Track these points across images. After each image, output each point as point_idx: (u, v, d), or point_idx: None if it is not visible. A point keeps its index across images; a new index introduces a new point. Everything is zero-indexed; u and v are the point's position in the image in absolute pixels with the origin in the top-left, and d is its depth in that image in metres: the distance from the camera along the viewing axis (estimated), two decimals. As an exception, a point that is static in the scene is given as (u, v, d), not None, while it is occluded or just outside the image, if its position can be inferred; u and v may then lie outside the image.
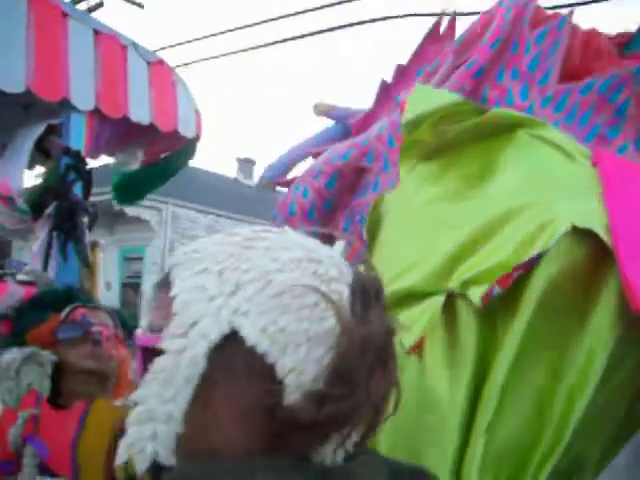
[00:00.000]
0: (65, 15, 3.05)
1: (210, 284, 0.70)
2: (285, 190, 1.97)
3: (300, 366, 0.66)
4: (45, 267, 2.99)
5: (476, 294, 1.17)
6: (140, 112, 3.36)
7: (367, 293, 0.72)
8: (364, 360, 0.67)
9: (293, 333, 0.67)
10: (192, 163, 4.11)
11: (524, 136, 1.42)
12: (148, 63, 3.50)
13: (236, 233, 0.76)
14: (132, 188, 3.88)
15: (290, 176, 2.09)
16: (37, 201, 3.06)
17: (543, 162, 1.38)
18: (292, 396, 0.66)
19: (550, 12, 1.75)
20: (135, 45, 3.41)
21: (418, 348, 1.22)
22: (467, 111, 1.50)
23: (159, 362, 0.68)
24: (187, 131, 3.68)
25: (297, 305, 0.68)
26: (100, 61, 3.17)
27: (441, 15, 1.99)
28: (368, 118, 1.99)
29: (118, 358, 2.07)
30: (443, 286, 1.25)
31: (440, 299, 1.24)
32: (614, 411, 1.21)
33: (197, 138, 3.82)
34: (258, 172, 2.40)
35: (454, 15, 1.97)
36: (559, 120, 1.60)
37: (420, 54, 1.97)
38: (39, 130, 3.13)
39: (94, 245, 3.04)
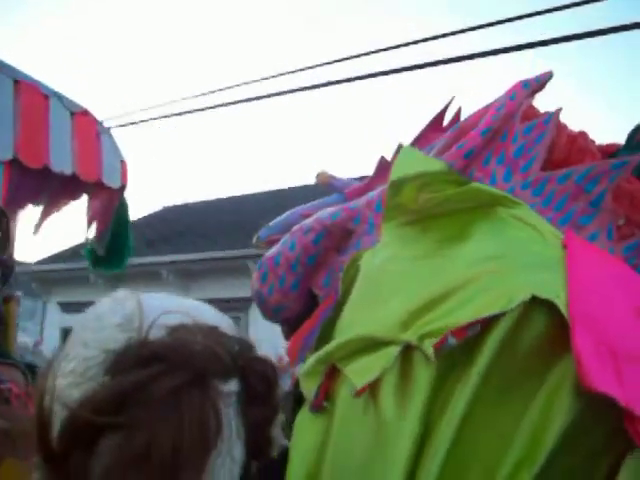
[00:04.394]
0: (-17, 64, 3.02)
1: None
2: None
3: None
4: None
5: (429, 347, 1.19)
6: (62, 162, 3.32)
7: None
8: None
9: None
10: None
11: (501, 213, 1.50)
12: (72, 113, 3.47)
13: None
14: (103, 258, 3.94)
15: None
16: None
17: (515, 236, 1.44)
18: None
19: (542, 112, 1.92)
20: (58, 95, 3.39)
21: (363, 391, 1.24)
22: (450, 181, 1.56)
23: None
24: (112, 181, 3.65)
25: None
26: (20, 110, 3.13)
27: (446, 106, 2.14)
28: (362, 189, 2.11)
29: (29, 417, 2.00)
30: (402, 337, 1.28)
31: (397, 349, 1.27)
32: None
33: (123, 188, 3.80)
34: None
35: (459, 109, 2.12)
36: (536, 203, 1.73)
37: (421, 139, 2.12)
38: None
39: (9, 298, 2.95)
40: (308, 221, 1.97)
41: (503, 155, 1.85)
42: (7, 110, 3.08)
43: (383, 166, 2.09)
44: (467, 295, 1.27)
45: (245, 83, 7.11)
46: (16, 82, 3.16)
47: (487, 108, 1.93)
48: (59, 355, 0.80)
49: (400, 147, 2.08)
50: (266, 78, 7.02)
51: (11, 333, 2.94)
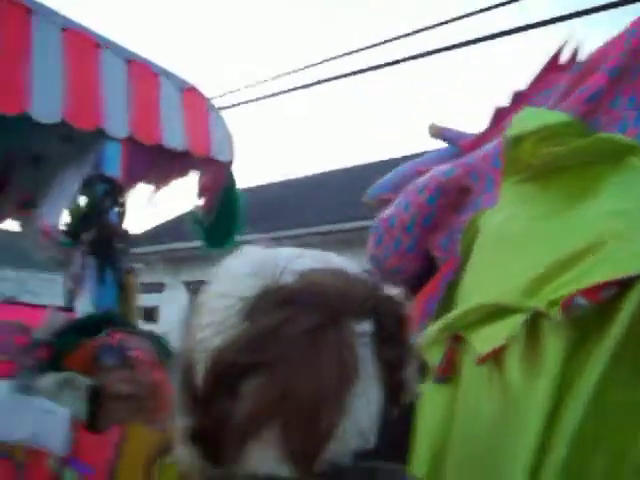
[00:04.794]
0: (98, 46, 3.12)
1: None
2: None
3: None
4: (75, 290, 3.04)
5: (558, 312, 1.14)
6: (174, 138, 3.40)
7: None
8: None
9: None
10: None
11: (633, 163, 1.38)
12: (181, 90, 3.55)
13: None
14: (212, 233, 3.98)
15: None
16: (76, 228, 3.12)
17: None
18: None
19: None
20: (167, 73, 3.47)
21: (487, 359, 1.20)
22: (572, 133, 1.47)
23: None
24: (221, 155, 3.72)
25: None
26: (133, 89, 3.23)
27: (561, 47, 1.97)
28: (479, 140, 1.99)
29: (154, 382, 2.08)
30: (529, 304, 1.23)
31: (523, 316, 1.23)
32: None
33: (231, 162, 3.86)
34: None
35: (575, 49, 1.94)
36: None
37: (538, 82, 1.97)
38: (86, 170, 3.19)
39: (129, 271, 3.08)
40: (422, 179, 1.86)
41: (634, 97, 1.66)
42: (121, 89, 3.18)
43: (499, 116, 1.96)
44: (598, 258, 1.19)
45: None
46: (128, 61, 3.26)
47: (611, 44, 1.74)
48: (195, 310, 0.82)
49: (516, 94, 1.97)
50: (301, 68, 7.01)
51: (132, 304, 3.07)
